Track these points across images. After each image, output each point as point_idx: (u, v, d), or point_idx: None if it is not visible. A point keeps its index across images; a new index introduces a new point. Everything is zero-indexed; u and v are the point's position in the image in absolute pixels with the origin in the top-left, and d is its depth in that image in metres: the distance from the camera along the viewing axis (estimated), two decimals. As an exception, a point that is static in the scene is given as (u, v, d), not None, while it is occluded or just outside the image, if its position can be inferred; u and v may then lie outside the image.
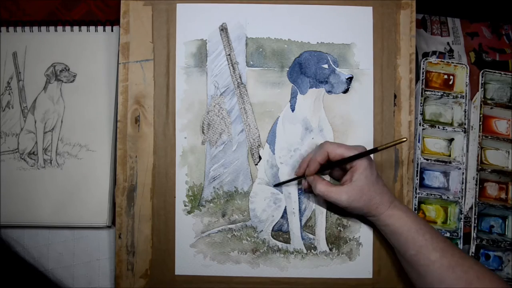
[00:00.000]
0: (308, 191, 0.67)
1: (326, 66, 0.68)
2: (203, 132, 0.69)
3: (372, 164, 0.60)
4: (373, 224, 0.67)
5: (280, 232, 0.69)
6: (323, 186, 0.61)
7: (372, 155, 0.68)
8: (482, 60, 0.77)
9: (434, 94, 0.72)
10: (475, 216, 0.70)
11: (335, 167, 0.63)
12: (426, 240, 0.58)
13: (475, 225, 0.70)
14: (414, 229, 0.58)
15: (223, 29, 0.69)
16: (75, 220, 0.69)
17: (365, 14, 0.69)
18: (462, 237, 0.69)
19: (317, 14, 0.69)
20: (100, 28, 0.72)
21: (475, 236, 0.70)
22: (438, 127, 0.71)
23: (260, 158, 0.68)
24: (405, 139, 0.58)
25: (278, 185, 0.67)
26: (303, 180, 0.65)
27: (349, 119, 0.68)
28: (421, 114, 0.71)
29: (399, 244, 0.60)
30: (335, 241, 0.68)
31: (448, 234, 0.69)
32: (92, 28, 0.72)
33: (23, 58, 0.72)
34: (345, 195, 0.59)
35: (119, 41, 0.69)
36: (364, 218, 0.65)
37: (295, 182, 0.67)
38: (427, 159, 0.71)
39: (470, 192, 0.71)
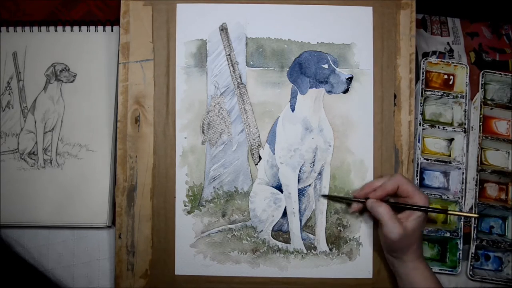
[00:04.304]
0: (357, 212, 0.66)
1: (326, 66, 0.68)
2: (203, 132, 0.68)
3: (426, 215, 0.62)
4: (373, 224, 0.67)
5: (280, 232, 0.69)
6: (388, 211, 0.60)
7: (372, 158, 0.68)
8: (482, 60, 0.77)
9: (434, 94, 0.72)
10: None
11: (402, 210, 0.62)
12: None
13: (475, 225, 0.70)
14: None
15: (223, 29, 0.69)
16: (75, 220, 0.69)
17: (365, 14, 0.69)
18: (462, 237, 0.69)
19: (317, 14, 0.69)
20: (100, 28, 0.72)
21: (475, 236, 0.70)
22: (438, 127, 0.71)
23: (260, 158, 0.68)
24: (477, 215, 0.64)
25: (326, 197, 0.67)
26: (355, 203, 0.65)
27: (349, 119, 0.68)
28: (421, 114, 0.71)
29: None
30: (335, 241, 0.68)
31: (448, 234, 0.69)
32: (92, 28, 0.72)
33: (23, 58, 0.72)
34: (401, 230, 0.59)
35: (119, 41, 0.68)
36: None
37: (296, 182, 0.68)
38: (427, 159, 0.71)
39: (470, 192, 0.71)
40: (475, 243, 0.70)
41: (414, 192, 0.61)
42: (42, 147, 0.70)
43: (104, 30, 0.72)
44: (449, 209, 0.62)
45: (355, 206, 0.66)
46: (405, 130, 0.68)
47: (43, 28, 0.72)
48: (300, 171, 0.68)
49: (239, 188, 0.68)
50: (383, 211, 0.60)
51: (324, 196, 0.67)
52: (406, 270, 0.61)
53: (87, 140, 0.70)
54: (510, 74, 0.73)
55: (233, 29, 0.69)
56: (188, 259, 0.67)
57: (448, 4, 0.79)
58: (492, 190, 0.73)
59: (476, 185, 0.71)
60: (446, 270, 0.69)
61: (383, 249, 0.64)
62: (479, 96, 0.72)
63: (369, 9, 0.69)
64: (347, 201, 0.67)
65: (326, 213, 0.68)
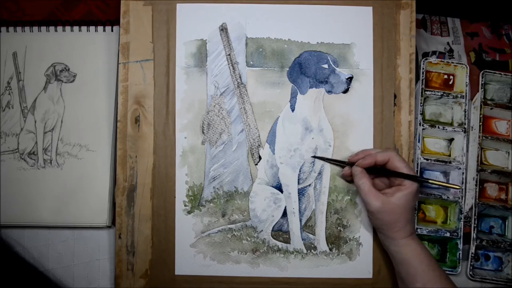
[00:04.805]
0: (346, 178, 0.67)
1: (326, 66, 0.68)
2: (203, 132, 0.69)
3: (417, 194, 0.62)
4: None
5: (280, 232, 0.69)
6: (367, 183, 0.61)
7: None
8: (482, 60, 0.77)
9: (434, 94, 0.72)
10: (475, 217, 0.70)
11: (387, 176, 0.64)
12: (435, 276, 0.59)
13: (475, 225, 0.70)
14: (426, 264, 0.59)
15: (223, 29, 0.69)
16: (75, 220, 0.69)
17: (365, 14, 0.69)
18: (462, 237, 0.69)
19: (317, 14, 0.69)
20: (100, 28, 0.72)
21: (475, 236, 0.70)
22: (438, 127, 0.71)
23: (260, 158, 0.68)
24: (458, 187, 0.66)
25: (316, 157, 0.67)
26: (347, 167, 0.66)
27: (349, 119, 0.68)
28: (421, 114, 0.71)
29: (407, 274, 0.60)
30: (335, 241, 0.68)
31: (448, 234, 0.69)
32: (92, 28, 0.72)
33: (23, 58, 0.72)
34: (379, 203, 0.60)
35: (119, 41, 0.69)
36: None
37: (296, 182, 0.68)
38: (427, 159, 0.70)
39: (470, 192, 0.71)
40: (475, 243, 0.70)
41: (404, 169, 0.61)
42: (42, 147, 0.70)
43: (104, 30, 0.72)
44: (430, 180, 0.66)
45: (347, 171, 0.66)
46: (405, 130, 0.68)
47: (43, 28, 0.72)
48: (300, 171, 0.68)
49: (239, 188, 0.68)
50: (363, 183, 0.61)
51: (314, 156, 0.67)
52: (396, 248, 0.61)
53: (87, 140, 0.70)
54: (510, 74, 0.73)
55: (233, 29, 0.69)
56: (188, 259, 0.67)
57: (448, 4, 0.79)
58: (492, 190, 0.73)
59: (476, 185, 0.71)
60: (446, 270, 0.69)
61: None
62: (479, 96, 0.72)
63: (369, 9, 0.69)
64: (336, 163, 0.67)
65: (326, 213, 0.68)
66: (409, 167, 0.62)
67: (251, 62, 0.69)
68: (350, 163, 0.65)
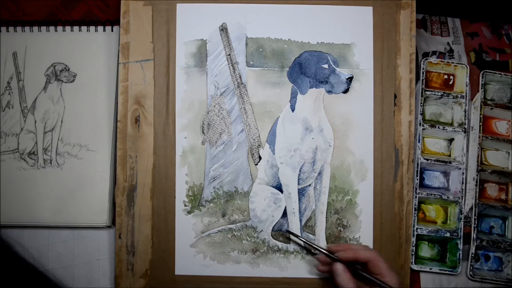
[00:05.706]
0: (321, 269, 0.65)
1: (326, 66, 0.68)
2: (203, 132, 0.69)
3: None
4: (373, 224, 0.67)
5: (280, 232, 0.69)
6: (352, 283, 0.59)
7: (372, 158, 0.67)
8: (482, 60, 0.77)
9: (434, 94, 0.72)
10: (475, 217, 0.70)
11: (368, 282, 0.60)
12: None
13: (475, 225, 0.70)
14: None
15: (223, 29, 0.69)
16: (75, 220, 0.69)
17: (365, 14, 0.69)
18: (462, 237, 0.69)
19: (317, 14, 0.69)
20: (100, 28, 0.72)
21: (475, 236, 0.70)
22: (438, 127, 0.71)
23: (260, 158, 0.68)
24: None
25: (292, 234, 0.67)
26: (321, 265, 0.64)
27: (349, 119, 0.68)
28: (421, 114, 0.71)
29: None
30: (335, 241, 0.68)
31: (448, 234, 0.69)
32: (92, 28, 0.72)
33: (23, 58, 0.72)
34: None
35: (119, 41, 0.69)
36: None
37: (296, 182, 0.68)
38: (427, 159, 0.71)
39: (470, 192, 0.71)
40: (475, 243, 0.70)
41: (386, 272, 0.59)
42: (42, 147, 0.70)
43: (104, 30, 0.72)
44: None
45: (321, 268, 0.64)
46: (405, 130, 0.68)
47: (43, 28, 0.72)
48: (300, 171, 0.68)
49: (239, 188, 0.68)
50: (349, 284, 0.59)
51: (288, 231, 0.67)
52: None
53: (87, 140, 0.70)
54: (510, 74, 0.73)
55: (233, 29, 0.69)
56: (188, 259, 0.67)
57: (448, 4, 0.79)
58: (492, 190, 0.73)
59: (476, 185, 0.71)
60: (446, 270, 0.69)
61: None
62: (479, 96, 0.72)
63: (369, 9, 0.69)
64: (314, 247, 0.65)
65: (326, 213, 0.68)
66: (390, 270, 0.60)
67: (251, 62, 0.69)
68: (328, 251, 0.63)
